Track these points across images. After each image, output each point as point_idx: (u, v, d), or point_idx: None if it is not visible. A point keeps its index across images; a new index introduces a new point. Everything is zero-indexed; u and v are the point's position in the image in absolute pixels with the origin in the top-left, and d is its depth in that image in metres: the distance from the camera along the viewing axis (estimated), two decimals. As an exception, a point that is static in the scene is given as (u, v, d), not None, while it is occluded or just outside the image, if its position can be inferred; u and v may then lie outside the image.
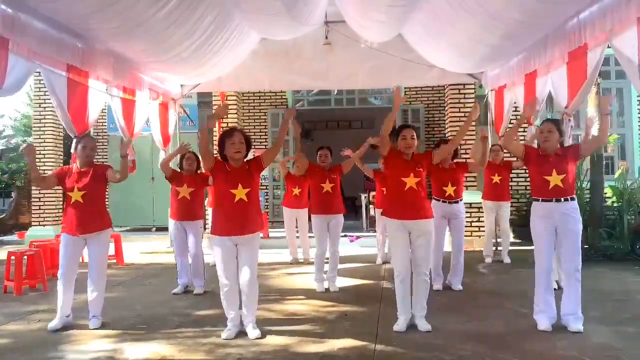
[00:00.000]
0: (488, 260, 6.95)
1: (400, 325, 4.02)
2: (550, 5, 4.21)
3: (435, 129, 11.02)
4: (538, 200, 4.03)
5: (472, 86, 8.48)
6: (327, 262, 5.55)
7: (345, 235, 7.90)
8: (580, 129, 9.28)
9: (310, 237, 6.79)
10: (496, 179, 6.73)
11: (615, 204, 7.61)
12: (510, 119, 6.88)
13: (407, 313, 4.06)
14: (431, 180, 5.34)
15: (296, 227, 7.40)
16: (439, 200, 5.33)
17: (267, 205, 10.70)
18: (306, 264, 7.16)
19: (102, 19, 4.29)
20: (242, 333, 4.00)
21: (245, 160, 4.06)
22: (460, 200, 5.40)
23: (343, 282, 5.83)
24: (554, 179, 3.93)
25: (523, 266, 6.57)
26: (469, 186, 8.08)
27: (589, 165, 7.83)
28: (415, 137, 4.12)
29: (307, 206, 6.84)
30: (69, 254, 4.27)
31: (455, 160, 5.48)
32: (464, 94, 8.53)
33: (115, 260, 7.56)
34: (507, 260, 6.86)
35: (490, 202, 6.85)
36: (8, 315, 4.78)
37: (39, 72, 4.45)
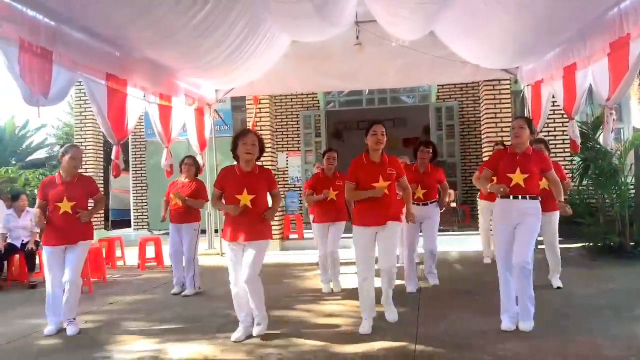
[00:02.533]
0: (487, 260, 6.70)
1: (364, 327, 4.00)
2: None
3: (471, 126, 10.86)
4: (499, 197, 3.96)
5: (508, 82, 8.30)
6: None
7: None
8: (622, 122, 8.98)
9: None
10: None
11: (661, 200, 7.32)
12: (548, 114, 6.69)
13: (372, 316, 4.08)
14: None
15: None
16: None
17: (300, 207, 10.76)
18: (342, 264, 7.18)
19: (137, 28, 4.41)
20: (281, 334, 4.03)
21: (258, 165, 4.05)
22: (432, 202, 5.41)
23: (377, 282, 5.81)
24: (517, 177, 3.87)
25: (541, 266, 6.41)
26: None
27: (632, 160, 7.56)
28: (384, 133, 4.02)
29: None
30: (55, 266, 4.33)
31: (432, 163, 5.47)
32: (499, 89, 8.35)
33: (155, 263, 7.75)
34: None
35: (486, 202, 6.50)
36: (56, 316, 4.96)
37: (80, 82, 4.60)
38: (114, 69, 4.78)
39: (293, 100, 11.45)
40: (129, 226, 11.90)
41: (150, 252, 7.84)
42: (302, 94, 11.18)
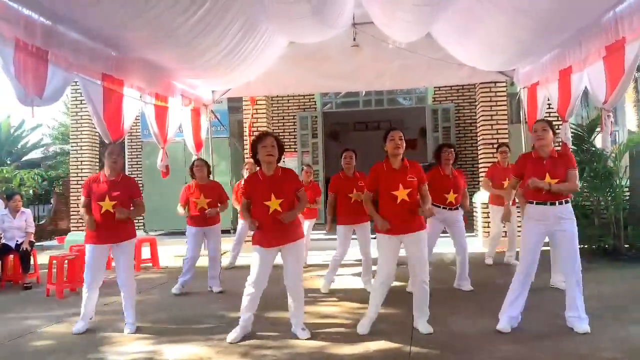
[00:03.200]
0: (489, 261, 6.72)
1: (362, 326, 4.02)
2: (583, 0, 4.11)
3: (467, 128, 10.88)
4: (532, 203, 3.94)
5: (504, 84, 8.33)
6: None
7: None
8: (617, 125, 9.02)
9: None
10: (507, 183, 6.49)
11: (656, 202, 7.35)
12: (544, 117, 6.70)
13: (374, 317, 4.06)
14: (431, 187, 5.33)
15: None
16: (439, 207, 5.25)
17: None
18: (340, 266, 7.18)
19: (134, 28, 4.39)
20: (276, 336, 4.03)
21: (280, 167, 4.05)
22: (460, 207, 5.38)
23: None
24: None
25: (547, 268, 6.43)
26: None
27: (627, 162, 7.60)
28: (403, 139, 3.99)
29: (315, 216, 7.27)
30: (96, 264, 4.35)
31: (456, 167, 5.46)
32: (495, 92, 8.38)
33: (151, 264, 7.73)
34: (513, 262, 6.64)
35: (498, 207, 6.56)
36: (50, 317, 4.95)
37: (76, 82, 4.58)
38: (110, 69, 4.76)
39: (290, 101, 11.45)
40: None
41: (145, 252, 7.81)
42: (299, 95, 11.18)
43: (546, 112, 7.00)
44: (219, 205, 5.75)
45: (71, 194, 10.19)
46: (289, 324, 4.12)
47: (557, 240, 3.89)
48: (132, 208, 4.46)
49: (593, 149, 7.23)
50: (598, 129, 6.28)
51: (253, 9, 5.06)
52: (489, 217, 8.12)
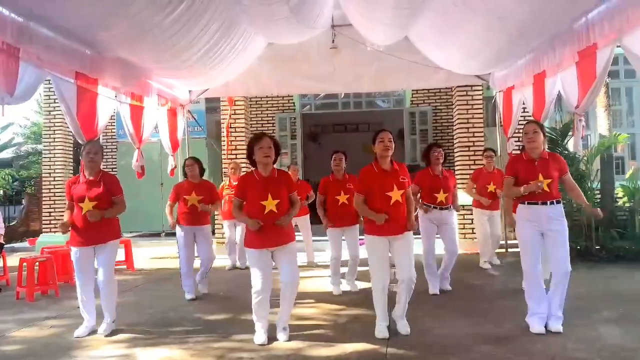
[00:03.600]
0: (486, 265, 6.76)
1: (382, 332, 3.99)
2: (557, 6, 4.19)
3: (444, 131, 10.99)
4: (524, 203, 3.99)
5: (480, 88, 8.45)
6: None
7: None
8: (589, 129, 9.22)
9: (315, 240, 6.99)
10: (491, 187, 6.56)
11: (626, 204, 7.55)
12: (519, 121, 6.83)
13: (387, 321, 4.05)
14: (422, 187, 5.38)
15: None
16: (429, 206, 5.30)
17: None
18: (315, 267, 7.20)
19: (109, 27, 4.32)
20: (253, 338, 4.00)
21: (276, 168, 4.03)
22: (451, 206, 5.39)
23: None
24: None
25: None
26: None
27: (599, 166, 7.78)
28: (392, 140, 4.01)
29: (306, 213, 7.25)
30: (83, 265, 4.26)
31: (446, 167, 5.48)
32: (472, 95, 8.49)
33: (125, 266, 7.60)
34: (496, 261, 6.78)
35: (481, 210, 6.66)
36: (20, 321, 4.82)
37: (49, 80, 4.48)
38: (84, 68, 4.66)
39: (269, 102, 11.40)
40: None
41: (120, 254, 7.66)
42: (277, 96, 11.15)
43: (521, 116, 7.13)
44: (210, 204, 5.65)
45: (43, 195, 9.96)
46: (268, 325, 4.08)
47: (547, 240, 3.93)
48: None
49: (566, 152, 7.38)
50: (571, 133, 6.41)
51: (232, 8, 5.03)
52: (465, 219, 8.24)
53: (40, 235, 10.00)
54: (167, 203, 5.79)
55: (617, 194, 7.68)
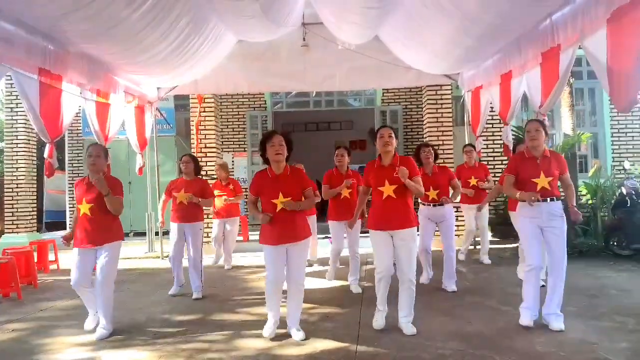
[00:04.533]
0: (461, 257, 6.89)
1: (377, 321, 4.06)
2: (523, 7, 4.28)
3: (414, 129, 11.11)
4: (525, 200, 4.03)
5: (449, 87, 8.57)
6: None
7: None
8: (554, 128, 9.47)
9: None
10: (473, 181, 6.71)
11: (589, 202, 7.77)
12: (487, 120, 6.95)
13: (385, 310, 4.09)
14: None
15: None
16: (423, 204, 5.39)
17: (246, 209, 10.62)
18: (311, 265, 7.09)
19: (74, 21, 4.20)
20: (222, 338, 3.96)
21: (289, 166, 4.01)
22: (443, 199, 5.37)
23: (323, 283, 5.84)
24: (542, 181, 3.96)
25: (500, 264, 6.68)
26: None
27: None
28: (392, 135, 4.05)
29: (313, 213, 6.89)
30: (79, 266, 4.16)
31: (437, 164, 5.48)
32: (441, 95, 8.61)
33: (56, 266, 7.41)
34: (486, 261, 6.80)
35: (469, 205, 6.77)
36: (-20, 325, 4.65)
37: (9, 76, 4.33)
38: (47, 64, 4.53)
39: (239, 100, 11.31)
40: (65, 228, 11.34)
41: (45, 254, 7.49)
42: (248, 94, 11.07)
43: (489, 115, 7.26)
44: (199, 199, 5.52)
45: (5, 195, 9.64)
46: (234, 325, 4.05)
47: (546, 237, 3.99)
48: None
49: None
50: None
51: (201, 4, 4.96)
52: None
53: (2, 236, 9.68)
54: (161, 198, 5.80)
55: (580, 191, 7.90)
